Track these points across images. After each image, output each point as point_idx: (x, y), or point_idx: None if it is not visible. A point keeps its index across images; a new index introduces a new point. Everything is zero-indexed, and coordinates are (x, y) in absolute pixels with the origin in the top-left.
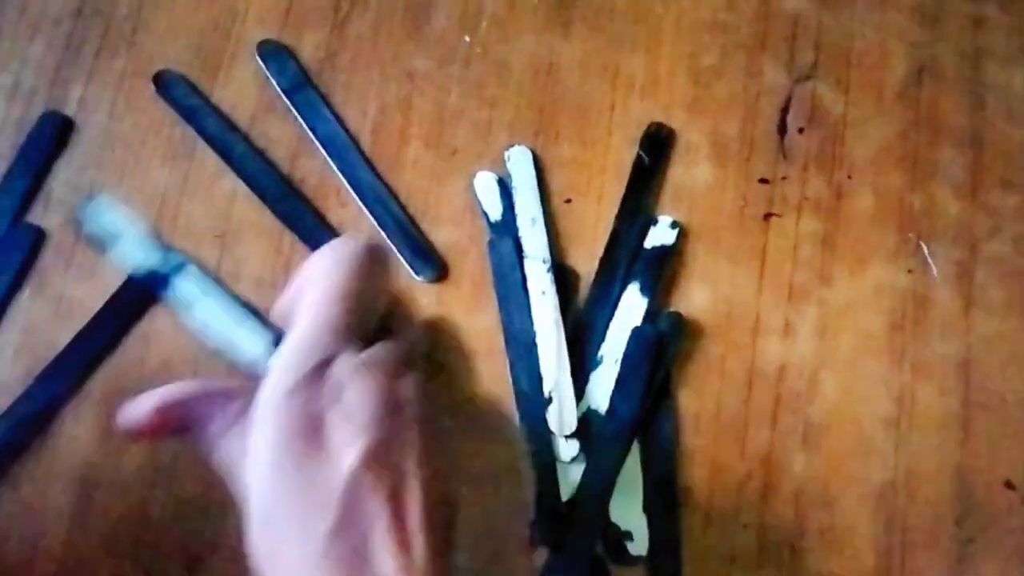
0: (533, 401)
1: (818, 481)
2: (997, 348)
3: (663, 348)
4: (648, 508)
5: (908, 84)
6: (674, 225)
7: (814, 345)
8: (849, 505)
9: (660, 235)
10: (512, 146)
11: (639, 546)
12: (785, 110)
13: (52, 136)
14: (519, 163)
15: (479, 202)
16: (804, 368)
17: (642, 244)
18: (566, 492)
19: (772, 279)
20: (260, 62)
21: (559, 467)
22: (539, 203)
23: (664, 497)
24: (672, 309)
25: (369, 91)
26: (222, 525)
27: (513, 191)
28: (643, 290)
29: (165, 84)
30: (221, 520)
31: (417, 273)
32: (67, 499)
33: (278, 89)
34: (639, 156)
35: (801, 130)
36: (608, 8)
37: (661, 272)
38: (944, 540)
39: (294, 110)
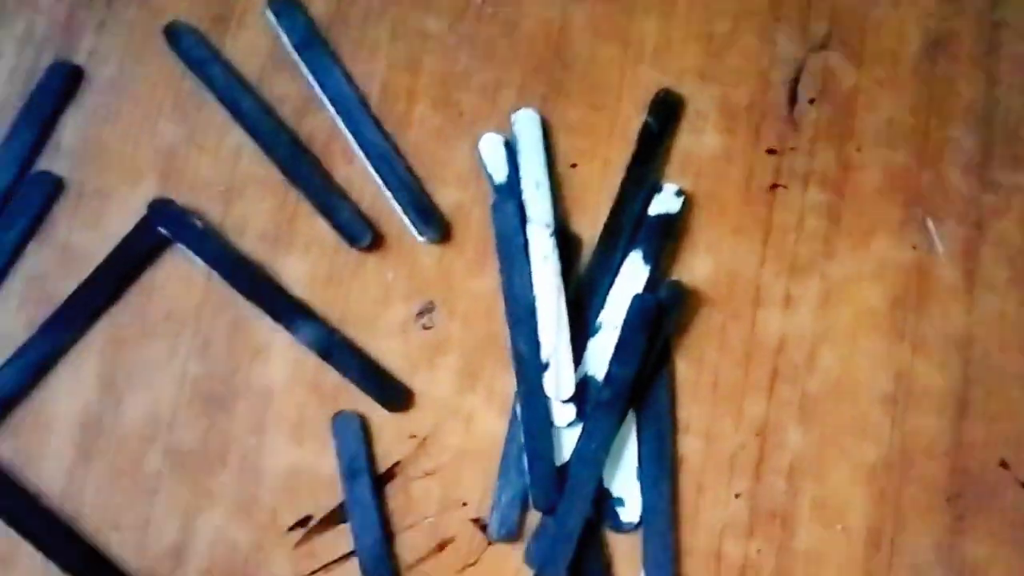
0: (531, 365)
1: (812, 454)
2: (998, 327)
3: (663, 316)
4: (641, 475)
5: (923, 57)
6: (679, 193)
7: (815, 318)
8: (842, 479)
9: (664, 203)
10: (519, 109)
11: (631, 512)
12: (796, 80)
13: (61, 85)
14: (526, 126)
15: (484, 164)
16: (803, 341)
17: (646, 211)
18: (560, 457)
19: (775, 251)
20: (271, 16)
21: (554, 431)
22: (544, 167)
23: (658, 464)
24: (673, 278)
25: (378, 49)
26: (219, 478)
27: (519, 154)
28: (645, 258)
29: (175, 36)
30: (219, 473)
31: (420, 234)
32: (66, 448)
33: (288, 44)
34: (647, 122)
35: (812, 101)
36: None
37: (664, 240)
38: (935, 517)
39: (303, 66)
